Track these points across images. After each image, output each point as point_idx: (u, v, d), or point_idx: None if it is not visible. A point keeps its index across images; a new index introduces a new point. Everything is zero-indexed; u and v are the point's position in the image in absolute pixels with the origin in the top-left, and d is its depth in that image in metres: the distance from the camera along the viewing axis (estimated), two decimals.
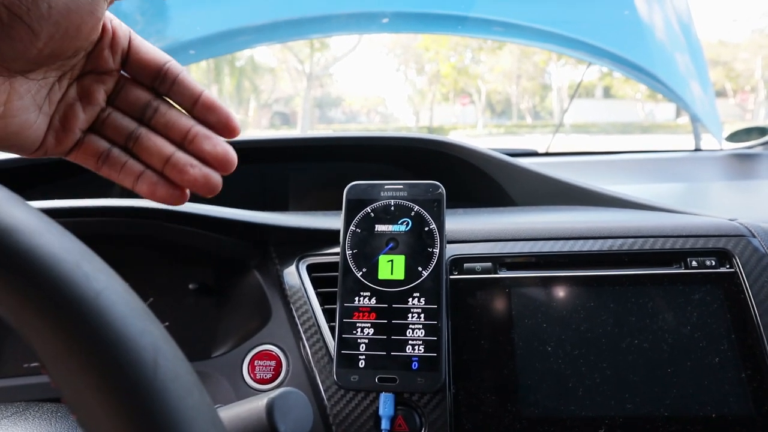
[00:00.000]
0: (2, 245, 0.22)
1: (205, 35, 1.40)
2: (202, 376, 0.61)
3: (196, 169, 0.43)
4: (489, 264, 0.59)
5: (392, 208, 0.59)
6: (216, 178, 0.43)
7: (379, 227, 0.58)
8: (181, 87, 0.43)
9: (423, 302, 0.55)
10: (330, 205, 0.89)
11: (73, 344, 0.22)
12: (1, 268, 0.22)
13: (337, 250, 0.61)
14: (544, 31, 1.50)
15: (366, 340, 0.54)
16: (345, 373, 0.53)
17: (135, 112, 0.44)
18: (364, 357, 0.54)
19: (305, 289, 0.61)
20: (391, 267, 0.56)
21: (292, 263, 0.63)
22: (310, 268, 0.63)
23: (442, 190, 0.59)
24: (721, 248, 0.59)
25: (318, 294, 0.61)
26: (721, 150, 1.39)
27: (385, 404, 0.52)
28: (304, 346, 0.58)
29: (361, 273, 0.57)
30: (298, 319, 0.60)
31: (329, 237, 0.64)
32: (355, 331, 0.55)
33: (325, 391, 0.56)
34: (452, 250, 0.61)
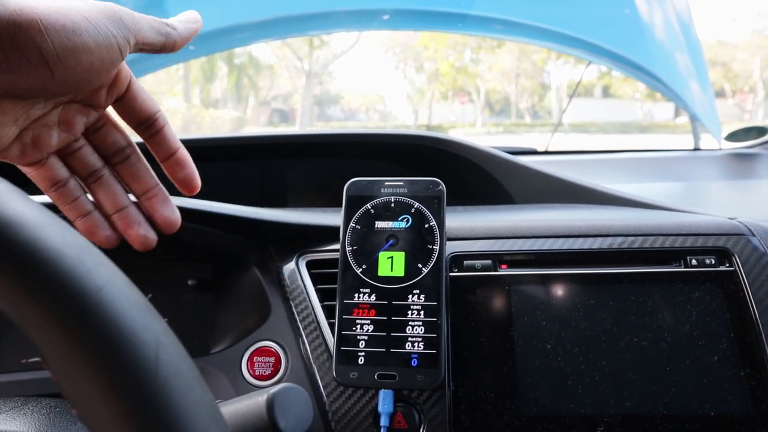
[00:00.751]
0: (3, 239, 0.22)
1: (204, 31, 1.39)
2: (202, 372, 0.61)
3: (141, 228, 0.44)
4: (489, 261, 0.59)
5: (392, 205, 0.59)
6: (152, 239, 0.45)
7: (379, 224, 0.58)
8: (162, 138, 0.45)
9: (423, 299, 0.55)
10: (329, 202, 0.89)
11: (74, 339, 0.22)
12: (2, 261, 0.22)
13: (337, 246, 0.61)
14: (543, 30, 1.50)
15: (365, 337, 0.54)
16: (344, 370, 0.53)
17: (106, 153, 0.45)
18: (363, 354, 0.54)
19: (305, 285, 0.61)
20: (391, 264, 0.56)
21: (292, 259, 0.63)
22: (310, 265, 0.63)
23: (443, 187, 0.59)
24: (720, 247, 0.59)
25: (317, 290, 0.61)
26: (720, 149, 1.39)
27: (385, 401, 0.52)
28: (303, 343, 0.58)
29: (360, 269, 0.57)
30: (298, 315, 0.60)
31: (329, 233, 0.64)
32: (354, 328, 0.55)
33: (324, 387, 0.56)
34: (452, 247, 0.61)
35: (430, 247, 0.57)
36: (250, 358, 0.60)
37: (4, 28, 0.30)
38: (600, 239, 0.61)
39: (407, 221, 0.58)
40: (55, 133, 0.41)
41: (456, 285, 0.58)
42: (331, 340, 0.57)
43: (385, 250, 0.57)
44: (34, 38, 0.31)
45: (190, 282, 0.68)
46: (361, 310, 0.55)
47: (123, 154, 0.44)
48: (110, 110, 0.44)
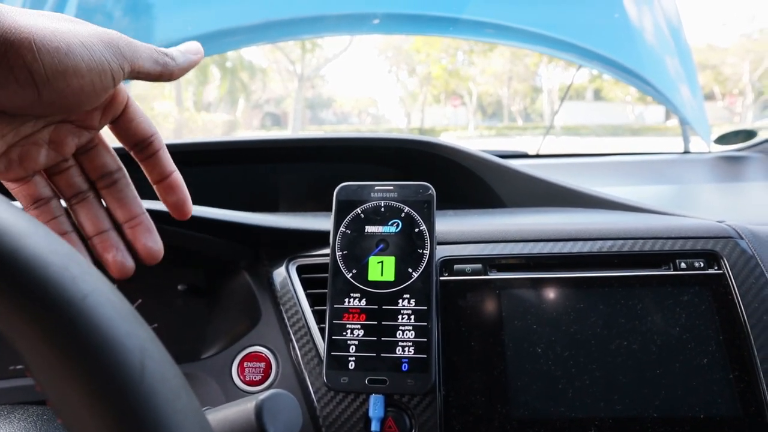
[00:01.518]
0: None
1: (196, 35, 1.39)
2: (192, 377, 0.61)
3: (119, 254, 0.43)
4: (479, 265, 0.59)
5: (382, 210, 0.59)
6: (130, 266, 0.44)
7: (369, 228, 0.58)
8: (157, 161, 0.44)
9: (413, 304, 0.55)
10: (320, 206, 0.89)
11: (58, 347, 0.22)
12: None
13: (327, 251, 0.61)
14: (535, 34, 1.51)
15: (356, 342, 0.54)
16: (335, 375, 0.53)
17: (94, 176, 0.44)
18: (354, 358, 0.54)
19: (295, 290, 0.61)
20: (381, 268, 0.56)
21: (282, 264, 0.63)
22: (300, 269, 0.63)
23: (433, 191, 0.59)
24: (709, 250, 0.59)
25: (308, 295, 0.61)
26: (710, 152, 1.40)
27: (375, 406, 0.52)
28: (293, 348, 0.58)
29: (351, 274, 0.57)
30: (288, 320, 0.59)
31: (319, 238, 0.64)
32: (345, 333, 0.55)
33: (314, 392, 0.56)
34: (442, 252, 0.61)
35: (420, 251, 0.57)
36: (240, 364, 0.60)
37: None
38: (590, 243, 0.61)
39: (397, 226, 0.58)
40: (44, 152, 0.40)
41: (446, 289, 0.58)
42: (321, 345, 0.57)
43: (375, 255, 0.57)
44: (24, 57, 0.31)
45: (180, 287, 0.68)
46: (351, 315, 0.55)
47: (111, 178, 0.43)
48: (104, 132, 0.44)
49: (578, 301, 0.56)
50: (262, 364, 0.59)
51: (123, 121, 0.42)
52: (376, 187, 0.60)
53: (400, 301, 0.55)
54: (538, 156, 1.38)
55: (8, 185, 0.41)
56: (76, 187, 0.43)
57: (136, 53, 0.37)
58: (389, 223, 0.58)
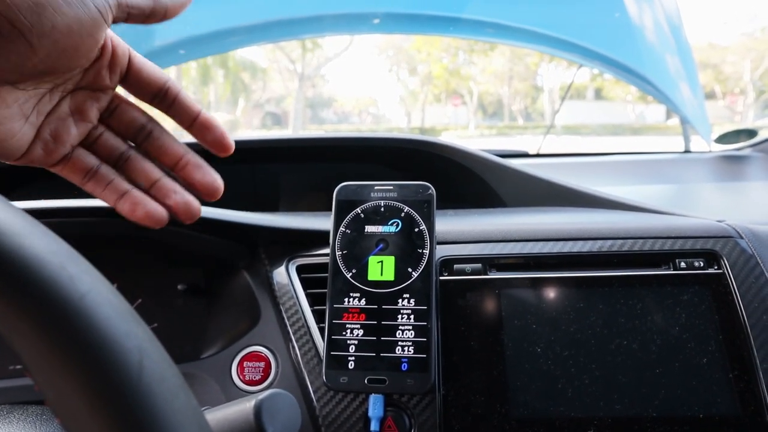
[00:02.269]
0: None
1: (196, 35, 1.39)
2: (191, 377, 0.61)
3: (179, 195, 0.44)
4: (479, 265, 0.59)
5: (382, 209, 0.59)
6: (196, 206, 0.44)
7: (369, 228, 0.58)
8: (180, 106, 0.44)
9: (413, 303, 0.55)
10: (320, 206, 0.89)
11: (57, 347, 0.22)
12: None
13: (327, 251, 0.61)
14: (535, 33, 1.51)
15: (355, 342, 0.54)
16: (334, 375, 0.53)
17: (128, 134, 0.44)
18: (353, 358, 0.54)
19: (295, 290, 0.61)
20: (381, 268, 0.56)
21: (282, 264, 0.63)
22: (300, 269, 0.63)
23: (432, 191, 0.59)
24: (709, 249, 0.59)
25: (308, 295, 0.61)
26: (710, 152, 1.40)
27: (375, 405, 0.52)
28: (293, 348, 0.58)
29: (350, 274, 0.57)
30: (288, 320, 0.59)
31: (319, 238, 0.64)
32: (344, 333, 0.54)
33: (314, 392, 0.56)
34: (442, 251, 0.61)
35: (420, 251, 0.57)
36: (240, 363, 0.60)
37: None
38: (590, 242, 0.61)
39: (397, 225, 0.58)
40: (72, 124, 0.40)
41: (446, 289, 0.58)
42: (321, 345, 0.57)
43: (374, 255, 0.57)
44: (0, 10, 0.30)
45: (180, 287, 0.68)
46: (351, 315, 0.55)
47: (145, 130, 0.44)
48: (122, 91, 0.44)
49: (578, 301, 0.56)
50: (262, 364, 0.59)
51: (132, 73, 0.42)
52: (375, 187, 0.60)
53: (400, 300, 0.55)
54: (538, 155, 1.38)
55: (56, 170, 0.42)
56: (115, 149, 0.43)
57: None
58: (389, 223, 0.58)
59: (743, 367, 0.53)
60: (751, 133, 1.35)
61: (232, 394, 0.58)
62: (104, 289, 0.24)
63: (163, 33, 1.35)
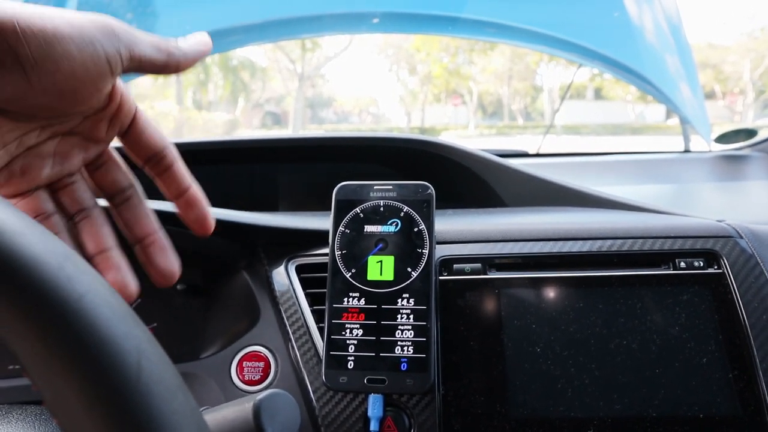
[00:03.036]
0: None
1: None
2: (191, 377, 0.61)
3: (119, 275, 0.40)
4: (478, 265, 0.59)
5: (381, 209, 0.59)
6: (131, 290, 0.41)
7: (369, 228, 0.58)
8: (173, 175, 0.42)
9: (412, 303, 0.55)
10: (320, 205, 0.89)
11: (54, 347, 0.22)
12: None
13: (327, 250, 0.61)
14: (535, 33, 1.51)
15: (355, 341, 0.54)
16: (334, 374, 0.53)
17: (106, 193, 0.42)
18: (353, 358, 0.53)
19: (294, 289, 0.61)
20: (381, 268, 0.56)
21: (281, 264, 0.63)
22: (299, 269, 0.63)
23: (432, 190, 0.59)
24: (709, 249, 0.59)
25: (307, 295, 0.61)
26: (710, 151, 1.40)
27: (374, 405, 0.52)
28: (292, 347, 0.58)
29: (350, 274, 0.56)
30: (287, 320, 0.59)
31: (318, 237, 0.64)
32: (344, 332, 0.54)
33: (313, 392, 0.55)
34: (442, 251, 0.61)
35: (420, 251, 0.57)
36: (239, 363, 0.59)
37: None
38: (590, 242, 0.61)
39: (396, 225, 0.58)
40: (48, 165, 0.38)
41: (445, 289, 0.58)
42: (320, 345, 0.57)
43: (374, 254, 0.57)
44: (8, 40, 0.29)
45: (178, 287, 0.68)
46: (350, 315, 0.55)
47: (124, 195, 0.41)
48: (113, 147, 0.42)
49: (578, 301, 0.56)
50: (261, 364, 0.59)
51: (133, 132, 0.40)
52: (375, 187, 0.60)
53: (399, 300, 0.55)
54: (538, 155, 1.38)
55: (10, 199, 0.39)
56: (80, 203, 0.40)
57: (134, 39, 0.35)
58: (388, 223, 0.58)
59: (743, 366, 0.53)
60: (750, 132, 1.35)
61: (232, 394, 0.58)
62: (102, 289, 0.24)
63: (161, 33, 1.35)
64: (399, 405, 0.54)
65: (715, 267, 0.58)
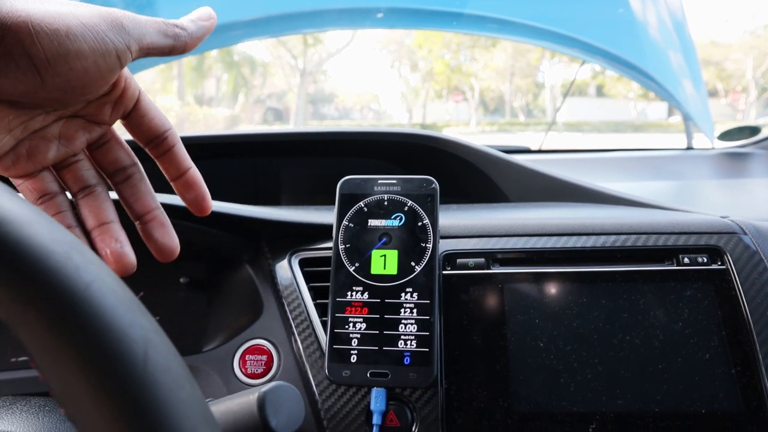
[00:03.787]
0: None
1: None
2: (193, 370, 0.61)
3: (118, 244, 0.41)
4: (482, 260, 0.59)
5: (386, 203, 0.59)
6: (129, 260, 0.42)
7: (372, 222, 0.58)
8: (173, 158, 0.42)
9: (416, 297, 0.55)
10: (323, 200, 0.89)
11: (62, 336, 0.22)
12: None
13: (330, 244, 0.61)
14: (537, 29, 1.51)
15: (358, 335, 0.54)
16: (337, 368, 0.53)
17: (107, 171, 0.42)
18: (356, 352, 0.54)
19: (297, 283, 0.61)
20: (384, 262, 0.56)
21: (285, 257, 0.63)
22: (303, 263, 0.63)
23: (436, 185, 0.59)
24: (712, 245, 0.59)
25: (310, 288, 0.61)
26: (713, 149, 1.40)
27: (377, 399, 0.52)
28: (295, 341, 0.58)
29: (353, 267, 0.56)
30: (290, 313, 0.59)
31: (322, 231, 0.64)
32: (347, 326, 0.54)
33: (316, 385, 0.56)
34: (445, 246, 0.61)
35: (423, 245, 0.57)
36: (242, 357, 0.60)
37: None
38: (593, 237, 0.61)
39: (400, 219, 0.58)
40: (54, 147, 0.39)
41: (449, 283, 0.58)
42: (323, 339, 0.57)
43: (378, 248, 0.57)
44: (23, 42, 0.30)
45: (182, 280, 0.68)
46: (353, 308, 0.55)
47: (125, 173, 0.42)
48: (117, 127, 0.43)
49: (581, 296, 0.56)
50: (264, 357, 0.59)
51: (135, 116, 0.41)
52: (379, 181, 0.60)
53: (403, 294, 0.55)
54: (541, 151, 1.38)
55: (15, 181, 0.40)
56: (83, 181, 0.42)
57: (142, 30, 0.35)
58: (392, 217, 0.58)
59: (746, 362, 0.53)
60: (753, 130, 1.35)
61: (234, 387, 0.58)
62: (109, 279, 0.24)
63: None
64: (402, 399, 0.54)
65: (719, 263, 0.58)
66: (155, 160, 0.43)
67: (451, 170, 0.93)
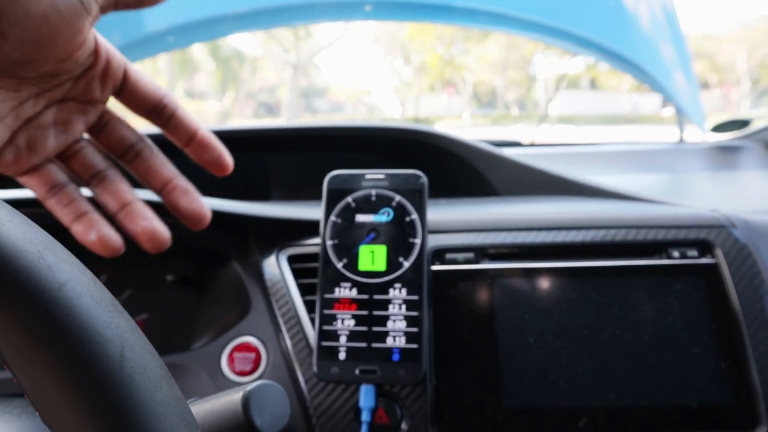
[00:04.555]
0: None
1: (185, 22, 1.37)
2: (181, 368, 0.60)
3: (147, 222, 0.41)
4: (471, 255, 0.59)
5: (373, 198, 0.58)
6: (163, 235, 0.42)
7: (360, 217, 0.58)
8: (178, 122, 0.42)
9: (404, 293, 0.54)
10: (312, 195, 0.88)
11: (35, 338, 0.21)
12: None
13: (318, 240, 0.60)
14: (530, 21, 1.50)
15: (347, 332, 0.54)
16: (325, 365, 0.53)
17: (116, 151, 0.42)
18: (344, 349, 0.53)
19: (285, 280, 0.60)
20: (372, 257, 0.56)
21: (272, 254, 0.62)
22: (291, 259, 0.62)
23: (424, 179, 0.59)
24: (702, 239, 0.59)
25: (298, 285, 0.60)
26: (705, 141, 1.40)
27: (366, 396, 0.52)
28: (284, 338, 0.58)
29: (341, 264, 0.56)
30: (278, 310, 0.59)
31: (310, 227, 0.64)
32: (335, 323, 0.54)
33: (305, 383, 0.55)
34: (434, 241, 0.60)
35: (412, 240, 0.56)
36: (230, 354, 0.59)
37: None
38: (583, 232, 0.60)
39: (388, 214, 0.57)
40: (52, 135, 0.38)
41: (438, 279, 0.58)
42: (312, 336, 0.57)
43: (366, 244, 0.56)
44: None
45: (169, 278, 0.67)
46: (342, 305, 0.55)
47: (134, 150, 0.42)
48: (117, 107, 0.42)
49: (570, 291, 0.56)
50: (252, 355, 0.58)
51: (128, 88, 0.40)
52: (366, 176, 0.59)
53: (391, 290, 0.54)
54: (532, 145, 1.38)
55: (22, 180, 0.39)
56: (92, 167, 0.41)
57: None
58: (380, 212, 0.58)
59: (735, 356, 0.53)
60: (745, 122, 1.35)
61: (223, 385, 0.58)
62: (84, 278, 0.24)
63: (151, 20, 1.33)
64: (391, 395, 0.54)
65: (709, 257, 0.58)
66: (163, 131, 0.42)
67: (441, 164, 0.93)
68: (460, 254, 0.59)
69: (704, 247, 0.58)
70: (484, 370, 0.53)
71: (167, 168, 0.43)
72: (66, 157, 0.41)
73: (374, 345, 0.53)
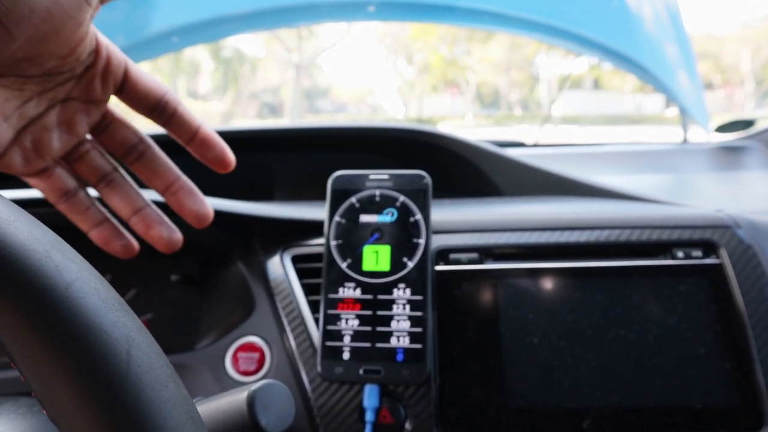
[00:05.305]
0: None
1: (189, 22, 1.38)
2: (186, 368, 0.60)
3: (164, 228, 0.42)
4: (475, 255, 0.59)
5: (377, 198, 0.58)
6: (178, 237, 0.43)
7: (364, 217, 0.58)
8: (180, 120, 0.42)
9: (408, 293, 0.54)
10: (316, 195, 0.88)
11: (42, 337, 0.21)
12: None
13: (322, 240, 0.60)
14: (533, 21, 1.50)
15: (351, 332, 0.54)
16: (329, 365, 0.53)
17: (119, 153, 0.42)
18: (348, 349, 0.53)
19: (289, 280, 0.60)
20: (377, 258, 0.56)
21: (277, 254, 0.63)
22: (295, 259, 0.62)
23: (428, 179, 0.59)
24: (707, 239, 0.59)
25: (302, 285, 0.60)
26: (709, 142, 1.40)
27: (370, 396, 0.52)
28: (288, 338, 0.58)
29: (345, 264, 0.56)
30: (282, 310, 0.59)
31: (314, 227, 0.64)
32: (339, 323, 0.54)
33: (309, 383, 0.55)
34: (438, 241, 0.60)
35: (416, 240, 0.56)
36: (234, 354, 0.59)
37: None
38: (587, 232, 0.60)
39: (392, 215, 0.57)
40: (56, 136, 0.38)
41: (442, 279, 0.58)
42: (316, 335, 0.57)
43: (370, 244, 0.57)
44: None
45: (173, 278, 0.67)
46: (346, 305, 0.55)
47: (137, 151, 0.42)
48: (118, 108, 0.43)
49: (575, 291, 0.56)
50: (256, 355, 0.58)
51: (129, 86, 0.40)
52: (371, 176, 0.59)
53: (395, 290, 0.55)
54: (536, 145, 1.37)
55: (33, 183, 0.40)
56: (100, 170, 0.42)
57: None
58: (384, 212, 0.58)
59: (740, 357, 0.53)
60: (749, 123, 1.35)
61: (227, 384, 0.58)
62: (91, 278, 0.24)
63: (155, 21, 1.33)
64: (395, 395, 0.54)
65: (714, 257, 0.58)
66: (165, 129, 0.43)
67: (445, 165, 0.93)
68: (464, 254, 0.59)
69: (709, 247, 0.58)
70: (489, 371, 0.53)
71: (171, 169, 0.43)
72: (73, 160, 0.41)
73: (378, 345, 0.53)
